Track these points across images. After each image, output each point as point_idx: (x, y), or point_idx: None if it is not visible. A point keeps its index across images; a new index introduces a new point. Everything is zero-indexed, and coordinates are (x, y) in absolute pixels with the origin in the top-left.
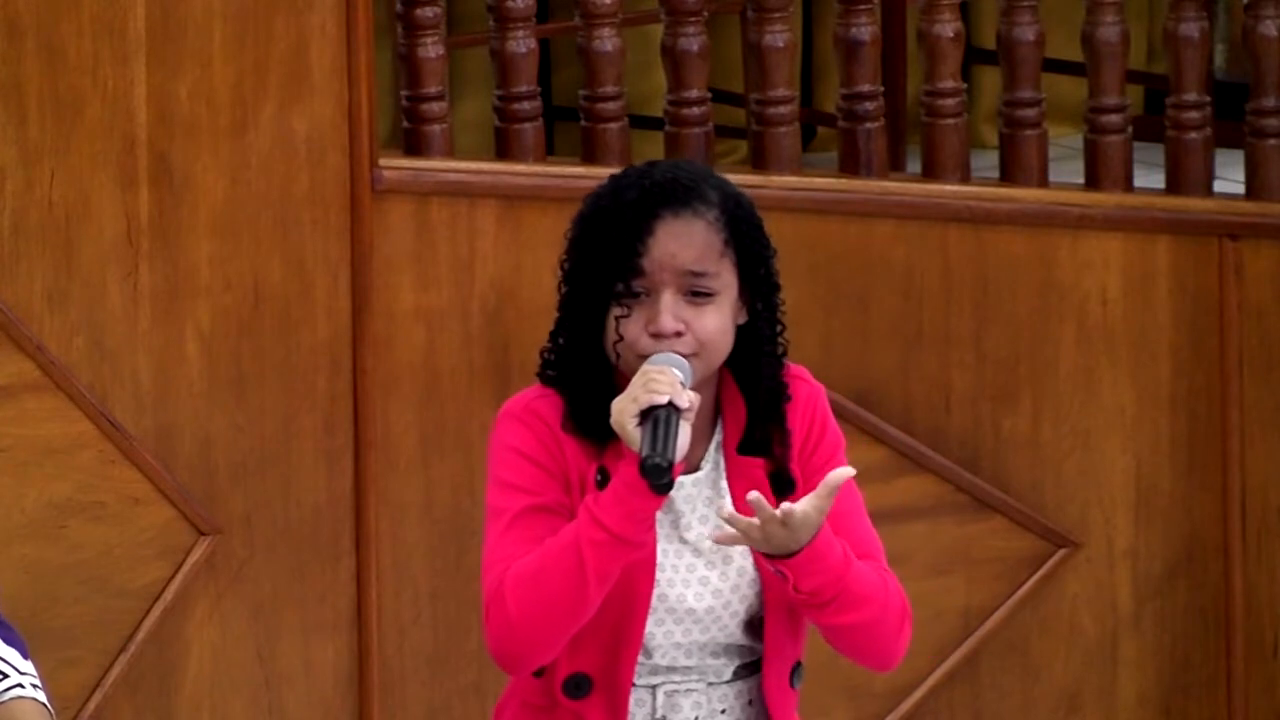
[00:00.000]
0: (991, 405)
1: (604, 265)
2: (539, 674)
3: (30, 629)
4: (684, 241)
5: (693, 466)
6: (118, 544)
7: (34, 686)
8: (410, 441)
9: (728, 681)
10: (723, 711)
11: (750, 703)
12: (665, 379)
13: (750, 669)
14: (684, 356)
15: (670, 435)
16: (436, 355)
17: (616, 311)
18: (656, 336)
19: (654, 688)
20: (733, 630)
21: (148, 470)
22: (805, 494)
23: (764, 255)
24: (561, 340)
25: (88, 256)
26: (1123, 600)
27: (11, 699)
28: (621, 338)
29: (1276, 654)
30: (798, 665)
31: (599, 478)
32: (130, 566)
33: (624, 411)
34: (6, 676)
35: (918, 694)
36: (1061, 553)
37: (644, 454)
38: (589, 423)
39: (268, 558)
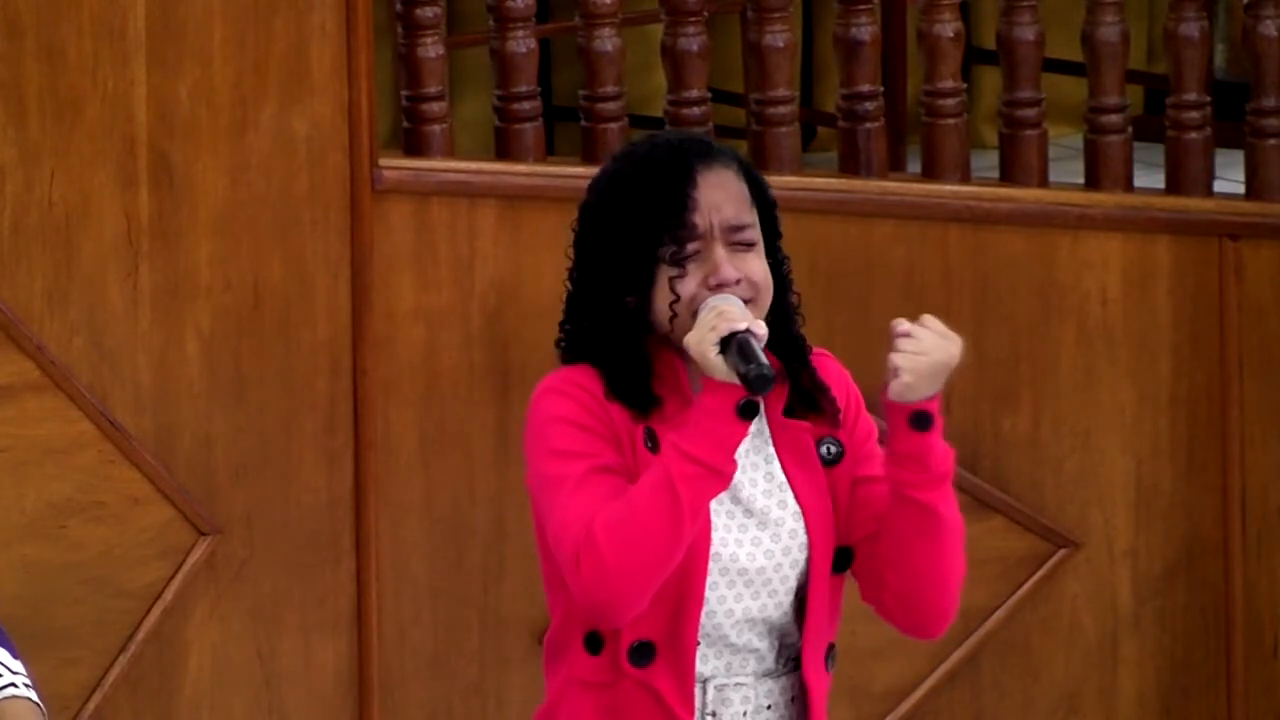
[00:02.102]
0: (991, 405)
1: (651, 225)
2: (597, 650)
3: (30, 629)
4: (724, 193)
5: None
6: (118, 544)
7: (26, 686)
8: (410, 441)
9: (772, 675)
10: (768, 707)
11: (793, 700)
12: (736, 309)
13: (793, 663)
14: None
15: (760, 352)
16: (436, 355)
17: (671, 273)
18: (719, 287)
19: (705, 682)
20: (782, 599)
21: (148, 470)
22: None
23: (775, 210)
24: (587, 319)
25: (88, 256)
26: (1123, 600)
27: (5, 699)
28: (679, 297)
29: (1276, 654)
30: (831, 647)
31: (646, 439)
32: (130, 566)
33: (704, 341)
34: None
35: (918, 694)
36: (1061, 553)
37: (744, 370)
38: (630, 393)
39: (268, 558)
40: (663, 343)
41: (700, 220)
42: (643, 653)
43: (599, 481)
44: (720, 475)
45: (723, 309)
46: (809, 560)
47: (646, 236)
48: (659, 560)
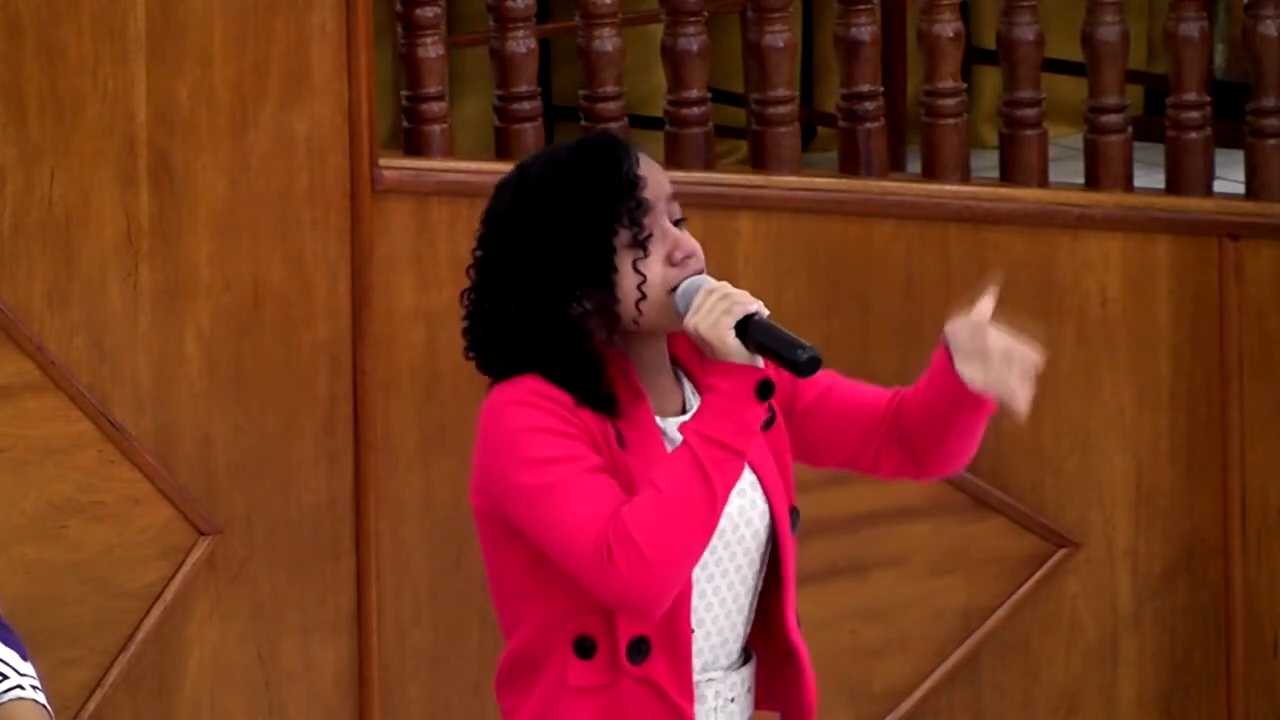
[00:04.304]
0: None
1: (606, 211)
2: (589, 654)
3: (30, 629)
4: (657, 171)
5: (678, 410)
6: (118, 544)
7: (33, 688)
8: (410, 441)
9: (734, 668)
10: (732, 700)
11: (750, 690)
12: (741, 291)
13: (745, 655)
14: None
15: (788, 331)
16: (436, 355)
17: (632, 256)
18: (686, 259)
19: None
20: (747, 575)
21: (148, 470)
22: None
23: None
24: (531, 330)
25: (88, 256)
26: (1123, 600)
27: (11, 700)
28: (645, 278)
29: (1276, 654)
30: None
31: (617, 436)
32: (130, 566)
33: (718, 325)
34: (6, 678)
35: (918, 694)
36: (1061, 553)
37: (793, 356)
38: (590, 395)
39: (268, 558)
40: (604, 340)
41: (651, 193)
42: (639, 649)
43: (599, 481)
44: (743, 457)
45: (727, 291)
46: (773, 525)
47: (600, 225)
48: (696, 547)
